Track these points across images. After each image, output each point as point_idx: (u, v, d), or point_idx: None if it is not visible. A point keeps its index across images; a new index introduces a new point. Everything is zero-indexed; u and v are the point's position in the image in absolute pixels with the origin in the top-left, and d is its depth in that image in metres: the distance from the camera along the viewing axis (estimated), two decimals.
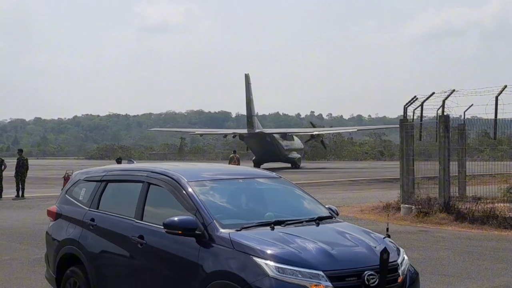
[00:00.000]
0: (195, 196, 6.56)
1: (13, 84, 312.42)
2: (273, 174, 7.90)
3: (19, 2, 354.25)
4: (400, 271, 6.09)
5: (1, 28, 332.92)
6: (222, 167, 9.22)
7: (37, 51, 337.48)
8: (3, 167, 27.08)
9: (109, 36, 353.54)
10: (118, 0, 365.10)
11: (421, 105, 18.63)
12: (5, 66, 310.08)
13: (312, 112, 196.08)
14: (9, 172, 28.17)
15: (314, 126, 71.69)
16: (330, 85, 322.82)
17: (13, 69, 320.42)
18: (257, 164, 53.49)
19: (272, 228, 6.22)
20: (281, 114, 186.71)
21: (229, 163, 32.73)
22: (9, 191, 27.30)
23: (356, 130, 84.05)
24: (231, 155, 39.06)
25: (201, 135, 65.87)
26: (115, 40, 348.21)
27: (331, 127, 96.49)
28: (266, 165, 54.40)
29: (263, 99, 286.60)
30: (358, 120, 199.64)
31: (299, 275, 5.56)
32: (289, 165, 58.10)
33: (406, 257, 6.39)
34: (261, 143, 56.10)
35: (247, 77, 56.63)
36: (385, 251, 5.82)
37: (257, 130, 56.67)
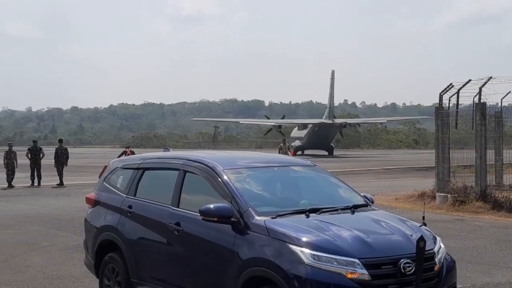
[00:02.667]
0: (230, 183, 6.61)
1: (50, 73, 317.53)
2: (308, 162, 7.90)
3: None
4: (436, 260, 6.06)
5: (39, 19, 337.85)
6: (257, 155, 9.24)
7: (74, 41, 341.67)
8: (41, 155, 27.63)
9: (144, 26, 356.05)
10: None
11: (457, 92, 18.39)
12: (43, 56, 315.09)
13: (346, 100, 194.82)
14: (47, 160, 28.67)
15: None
16: (363, 73, 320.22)
17: (51, 59, 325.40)
18: (298, 151, 56.74)
19: (307, 216, 6.23)
20: (314, 102, 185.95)
21: (278, 152, 32.29)
22: (47, 179, 27.83)
23: (385, 121, 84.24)
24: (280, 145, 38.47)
25: (279, 126, 66.23)
26: (150, 31, 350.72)
27: (356, 117, 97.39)
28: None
29: (296, 88, 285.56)
30: (392, 108, 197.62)
31: (335, 263, 5.57)
32: (326, 152, 61.14)
33: (442, 246, 6.35)
34: (330, 133, 62.29)
35: (332, 73, 62.50)
36: (421, 239, 5.78)
37: (337, 121, 63.22)
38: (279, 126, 66.11)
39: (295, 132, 65.09)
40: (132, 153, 27.53)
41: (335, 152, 63.68)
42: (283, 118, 71.49)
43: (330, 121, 61.18)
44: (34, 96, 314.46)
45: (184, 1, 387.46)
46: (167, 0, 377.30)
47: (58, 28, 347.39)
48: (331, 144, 63.50)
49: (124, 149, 31.12)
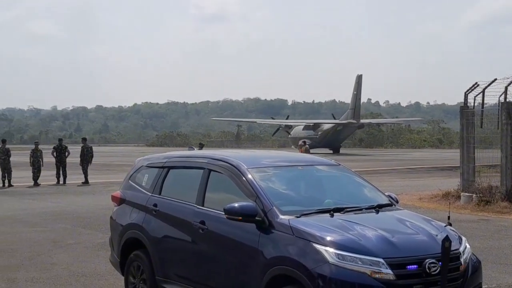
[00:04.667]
0: (254, 182, 6.62)
1: (75, 72, 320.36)
2: (332, 161, 7.88)
3: None
4: (462, 260, 6.02)
5: (65, 19, 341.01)
6: (281, 154, 9.26)
7: (98, 40, 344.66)
8: (67, 154, 27.94)
9: (168, 25, 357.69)
10: None
11: (483, 91, 18.22)
12: (68, 55, 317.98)
13: (369, 99, 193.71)
14: (72, 159, 28.97)
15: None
16: (387, 72, 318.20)
17: (76, 59, 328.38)
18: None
19: (332, 215, 6.22)
20: (337, 101, 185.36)
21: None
22: (73, 177, 28.12)
23: (401, 121, 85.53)
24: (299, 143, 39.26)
25: (289, 126, 69.78)
26: (173, 30, 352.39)
27: (376, 117, 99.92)
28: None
29: (320, 87, 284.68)
30: (416, 107, 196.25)
31: (359, 262, 5.55)
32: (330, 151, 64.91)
33: (468, 246, 6.30)
34: (347, 133, 67.21)
35: (358, 77, 64.45)
36: (447, 239, 5.74)
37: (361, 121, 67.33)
38: (289, 127, 68.29)
39: (300, 132, 67.50)
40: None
41: (349, 151, 66.49)
42: (287, 118, 77.21)
43: (354, 121, 63.78)
44: (59, 95, 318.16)
45: (207, 0, 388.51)
46: (190, 0, 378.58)
47: (83, 27, 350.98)
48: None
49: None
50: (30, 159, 27.30)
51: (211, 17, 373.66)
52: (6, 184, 26.06)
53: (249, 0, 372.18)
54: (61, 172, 27.43)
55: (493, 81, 17.95)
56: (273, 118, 78.77)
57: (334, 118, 73.16)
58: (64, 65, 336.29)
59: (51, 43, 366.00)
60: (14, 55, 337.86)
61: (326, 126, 66.26)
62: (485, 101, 18.36)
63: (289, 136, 71.05)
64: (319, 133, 65.25)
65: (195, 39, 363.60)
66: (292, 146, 64.82)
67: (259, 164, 7.12)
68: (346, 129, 65.59)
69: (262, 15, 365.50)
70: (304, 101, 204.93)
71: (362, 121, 70.59)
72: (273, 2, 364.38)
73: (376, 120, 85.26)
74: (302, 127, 69.67)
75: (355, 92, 64.56)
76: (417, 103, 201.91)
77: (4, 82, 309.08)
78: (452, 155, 42.80)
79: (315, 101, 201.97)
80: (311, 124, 68.57)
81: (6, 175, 26.16)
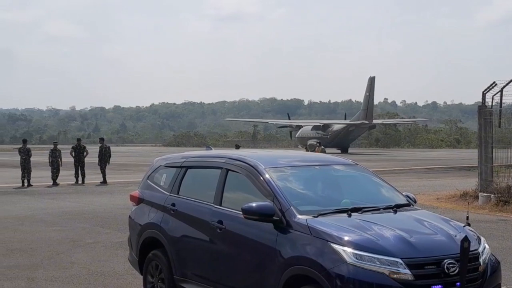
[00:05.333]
0: (272, 182, 6.63)
1: (93, 73, 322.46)
2: (350, 161, 7.86)
3: None
4: (481, 260, 5.99)
5: (82, 20, 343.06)
6: (298, 154, 9.28)
7: (116, 41, 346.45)
8: (85, 153, 28.12)
9: (185, 26, 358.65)
10: None
11: (501, 91, 18.08)
12: (86, 56, 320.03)
13: (386, 99, 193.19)
14: (91, 159, 29.15)
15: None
16: (404, 71, 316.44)
17: (94, 59, 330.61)
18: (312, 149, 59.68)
19: (349, 215, 6.21)
20: (353, 101, 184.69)
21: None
22: (91, 177, 28.31)
23: (414, 121, 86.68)
24: (311, 143, 40.25)
25: (299, 127, 72.12)
26: (190, 30, 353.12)
27: (396, 116, 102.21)
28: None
29: (336, 87, 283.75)
30: (432, 107, 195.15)
31: (377, 262, 5.54)
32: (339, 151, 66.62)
33: (487, 246, 6.27)
34: (358, 133, 70.31)
35: (371, 79, 66.08)
36: (466, 240, 5.72)
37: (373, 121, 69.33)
38: (300, 127, 70.70)
39: (308, 132, 69.51)
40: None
41: (358, 151, 68.59)
42: (288, 118, 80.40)
43: (366, 122, 65.85)
44: (78, 96, 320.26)
45: (224, 1, 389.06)
46: (207, 1, 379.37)
47: (101, 28, 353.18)
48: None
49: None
50: (49, 159, 27.51)
51: (228, 17, 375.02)
52: (26, 184, 26.30)
53: (265, 0, 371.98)
54: (79, 172, 27.63)
55: (511, 80, 17.81)
56: (289, 118, 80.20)
57: (345, 119, 75.54)
58: (83, 66, 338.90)
59: (69, 44, 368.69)
60: (33, 56, 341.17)
61: (336, 127, 68.34)
62: (503, 101, 18.24)
63: (296, 136, 73.32)
64: (329, 133, 67.26)
65: (212, 39, 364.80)
66: (299, 146, 65.78)
67: (276, 164, 7.14)
68: (358, 130, 67.87)
69: (279, 15, 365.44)
70: (320, 101, 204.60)
71: (374, 121, 72.13)
72: (290, 2, 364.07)
73: (388, 121, 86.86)
74: (310, 127, 71.57)
75: (367, 94, 66.23)
76: (434, 103, 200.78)
77: (23, 83, 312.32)
78: (470, 155, 42.51)
79: (331, 101, 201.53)
80: (321, 124, 70.42)
81: (26, 174, 26.39)
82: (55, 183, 26.69)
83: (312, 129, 70.05)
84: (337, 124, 69.69)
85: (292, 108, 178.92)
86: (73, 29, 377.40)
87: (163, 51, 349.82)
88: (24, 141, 28.23)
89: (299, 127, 74.03)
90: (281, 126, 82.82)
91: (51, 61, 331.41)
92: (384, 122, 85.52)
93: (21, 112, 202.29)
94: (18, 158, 27.53)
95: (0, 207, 18.80)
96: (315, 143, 39.76)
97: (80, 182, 27.41)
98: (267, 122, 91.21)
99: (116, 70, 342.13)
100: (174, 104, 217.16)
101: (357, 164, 7.74)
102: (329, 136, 66.55)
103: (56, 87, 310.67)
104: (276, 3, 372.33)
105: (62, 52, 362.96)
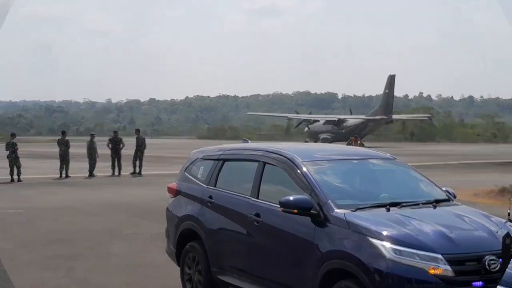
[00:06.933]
0: (309, 175, 6.61)
1: (129, 66, 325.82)
2: (388, 155, 7.79)
3: None
4: None
5: (119, 13, 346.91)
6: (335, 148, 9.24)
7: (151, 35, 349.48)
8: (122, 145, 28.42)
9: (219, 19, 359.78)
10: None
11: None
12: (122, 49, 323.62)
13: (421, 93, 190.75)
14: (127, 151, 29.44)
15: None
16: (439, 65, 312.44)
17: (129, 52, 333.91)
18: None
19: (388, 210, 6.16)
20: None
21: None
22: (127, 169, 28.59)
23: (426, 117, 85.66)
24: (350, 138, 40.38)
25: (314, 121, 72.90)
26: (225, 23, 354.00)
27: (431, 110, 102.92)
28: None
29: (370, 80, 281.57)
30: (469, 101, 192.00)
31: (417, 258, 5.48)
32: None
33: None
34: (375, 128, 71.86)
35: (391, 77, 68.37)
36: (508, 236, 5.62)
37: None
38: (314, 121, 73.22)
39: (321, 127, 71.19)
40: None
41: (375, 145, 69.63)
42: (310, 113, 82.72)
43: (385, 117, 67.86)
44: (113, 88, 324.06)
45: None
46: None
47: (137, 22, 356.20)
48: None
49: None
50: (88, 151, 27.88)
51: (263, 10, 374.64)
52: (64, 175, 26.70)
53: None
54: (116, 163, 27.94)
55: None
56: (298, 113, 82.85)
57: (351, 114, 77.74)
58: (119, 59, 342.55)
59: (105, 37, 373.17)
60: (71, 49, 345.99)
61: (351, 122, 70.05)
62: None
63: (306, 129, 74.14)
64: (345, 128, 68.29)
65: (246, 32, 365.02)
66: (307, 140, 65.77)
67: (313, 157, 7.11)
68: (375, 125, 70.77)
69: (314, 8, 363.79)
70: (354, 95, 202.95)
71: (394, 116, 73.35)
72: None
73: (402, 116, 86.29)
74: (322, 122, 72.71)
75: (386, 91, 68.49)
76: (471, 97, 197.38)
77: (61, 75, 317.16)
78: (508, 150, 41.87)
79: (366, 95, 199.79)
80: (335, 119, 71.93)
81: (64, 166, 26.76)
82: (91, 175, 27.04)
83: (324, 124, 71.55)
84: (352, 119, 71.26)
85: (326, 101, 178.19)
86: (110, 23, 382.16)
87: (197, 44, 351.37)
88: (63, 133, 28.68)
89: (317, 121, 74.55)
90: (297, 125, 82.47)
91: (88, 54, 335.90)
92: (401, 118, 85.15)
93: (58, 104, 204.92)
94: (56, 149, 27.95)
95: (40, 197, 19.15)
96: (328, 137, 40.27)
97: (116, 173, 27.72)
98: (286, 117, 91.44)
99: (151, 63, 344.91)
100: (208, 97, 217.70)
101: (395, 158, 7.68)
102: (345, 131, 67.16)
103: (92, 80, 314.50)
104: None
105: (98, 45, 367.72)
